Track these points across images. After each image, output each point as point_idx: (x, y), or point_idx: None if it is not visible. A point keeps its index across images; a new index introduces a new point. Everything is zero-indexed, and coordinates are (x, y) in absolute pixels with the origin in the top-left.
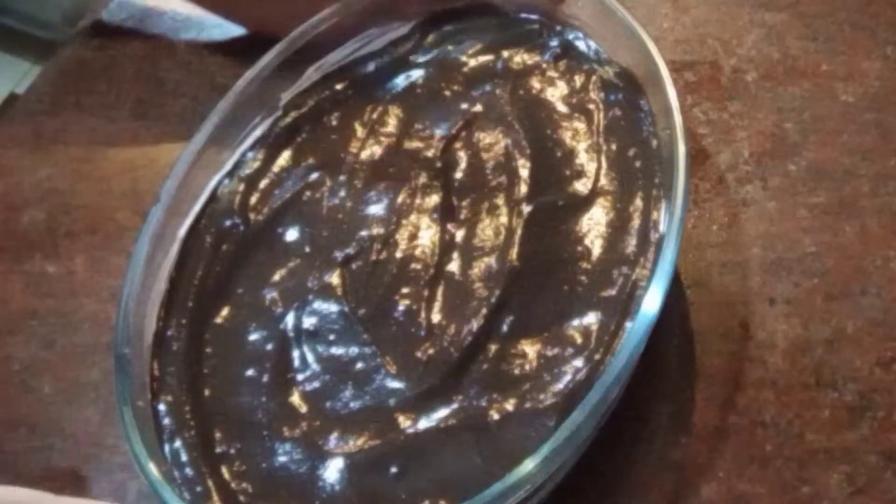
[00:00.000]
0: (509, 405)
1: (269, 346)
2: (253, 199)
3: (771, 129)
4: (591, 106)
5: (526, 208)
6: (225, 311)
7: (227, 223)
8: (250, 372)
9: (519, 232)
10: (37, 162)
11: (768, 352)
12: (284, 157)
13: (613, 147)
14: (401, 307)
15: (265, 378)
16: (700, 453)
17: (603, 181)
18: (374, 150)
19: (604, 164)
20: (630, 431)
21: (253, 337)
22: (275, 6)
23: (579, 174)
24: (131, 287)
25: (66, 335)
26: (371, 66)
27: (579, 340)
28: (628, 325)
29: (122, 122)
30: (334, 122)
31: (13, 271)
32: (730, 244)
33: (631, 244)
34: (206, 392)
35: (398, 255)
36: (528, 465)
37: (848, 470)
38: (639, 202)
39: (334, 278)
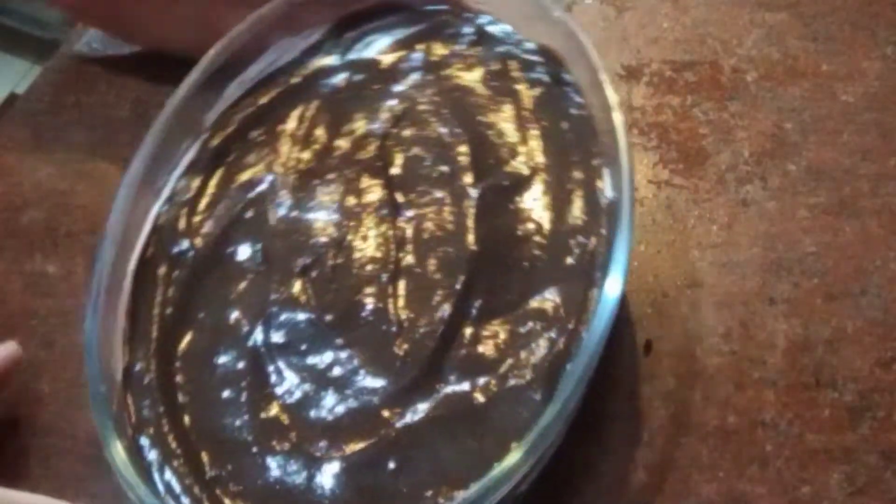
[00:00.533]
0: (493, 386)
1: (241, 365)
2: (196, 223)
3: (771, 129)
4: (516, 86)
5: (473, 193)
6: (189, 337)
7: (176, 250)
8: (226, 393)
9: (471, 217)
10: (37, 162)
11: (768, 352)
12: (219, 178)
13: (545, 123)
14: (368, 307)
15: (243, 397)
16: (700, 453)
17: (542, 157)
18: (309, 159)
19: (539, 141)
20: (630, 432)
21: (222, 359)
22: (171, 25)
23: (517, 153)
24: (93, 327)
25: (66, 335)
26: (290, 77)
27: (549, 313)
28: (595, 291)
29: (122, 122)
30: (263, 137)
31: (13, 271)
32: (730, 244)
33: (581, 213)
34: (187, 420)
35: (355, 256)
36: (522, 445)
37: (848, 470)
38: (580, 172)
39: (296, 288)
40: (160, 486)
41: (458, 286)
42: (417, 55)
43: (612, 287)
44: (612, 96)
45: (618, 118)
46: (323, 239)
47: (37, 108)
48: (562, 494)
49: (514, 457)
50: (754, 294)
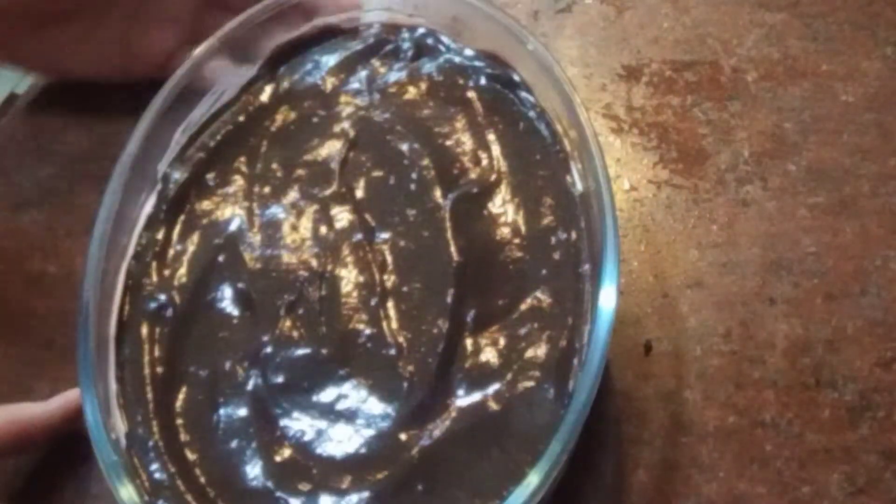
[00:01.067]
0: (505, 392)
1: (244, 412)
2: (168, 276)
3: (771, 129)
4: (466, 94)
5: (445, 205)
6: (184, 394)
7: (153, 307)
8: (235, 443)
9: (448, 229)
10: (37, 162)
11: (768, 352)
12: (182, 226)
13: (501, 126)
14: (364, 334)
15: (253, 444)
16: (700, 453)
17: (504, 160)
18: (270, 195)
19: (499, 144)
20: (630, 432)
21: (224, 409)
22: (90, 50)
23: (480, 159)
24: (91, 401)
25: (66, 335)
26: (234, 115)
27: (546, 311)
28: (587, 284)
29: (122, 121)
30: (218, 179)
31: (13, 271)
32: (730, 244)
33: (555, 209)
34: (202, 478)
35: (339, 286)
36: (557, 444)
37: (848, 470)
38: (545, 169)
39: (286, 327)
40: None
41: (449, 299)
42: (360, 76)
43: (610, 274)
44: (568, 86)
45: (578, 105)
46: (303, 273)
47: (37, 108)
48: (562, 495)
49: (549, 458)
50: (754, 294)
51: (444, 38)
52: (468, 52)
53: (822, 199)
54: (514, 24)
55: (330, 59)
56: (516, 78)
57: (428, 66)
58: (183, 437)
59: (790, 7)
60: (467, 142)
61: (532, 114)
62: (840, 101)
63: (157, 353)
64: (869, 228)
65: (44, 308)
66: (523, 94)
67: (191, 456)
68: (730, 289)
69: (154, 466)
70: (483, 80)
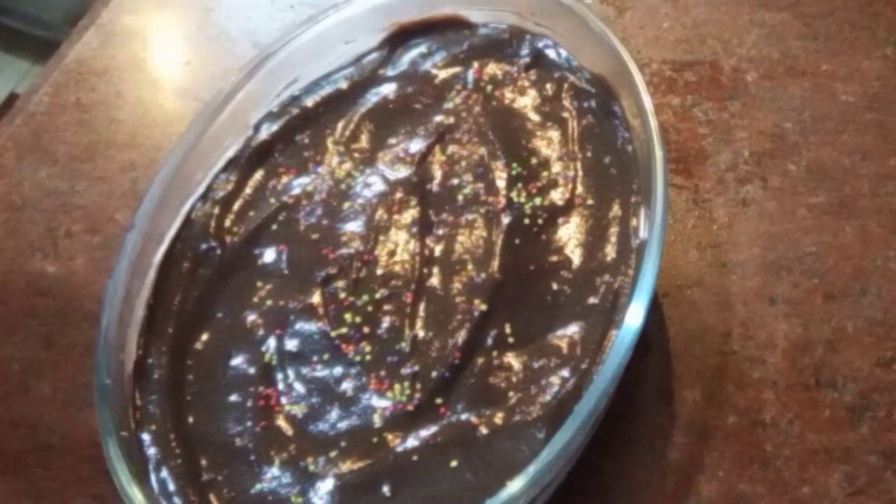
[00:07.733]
0: (498, 419)
1: (252, 370)
2: (228, 222)
3: (771, 129)
4: (565, 114)
5: (505, 219)
6: (205, 337)
7: (204, 247)
8: (234, 397)
9: (499, 243)
10: (37, 162)
11: (768, 352)
12: (258, 178)
13: (589, 154)
14: (384, 325)
15: (249, 403)
16: (700, 453)
17: (580, 189)
18: (348, 168)
19: (580, 172)
20: (630, 432)
21: (235, 361)
22: None
23: (556, 183)
24: (110, 316)
25: (66, 335)
26: (341, 82)
27: (565, 350)
28: (614, 333)
29: (122, 121)
30: (306, 140)
31: (13, 271)
32: (730, 244)
33: (611, 251)
34: (190, 419)
35: (378, 272)
36: (518, 482)
37: (848, 470)
38: (617, 209)
39: (315, 298)
40: (155, 485)
41: (476, 313)
42: (470, 73)
43: (626, 335)
44: (657, 137)
45: (659, 160)
46: (349, 250)
47: (37, 108)
48: (561, 494)
49: (500, 499)
50: (754, 294)
51: (564, 53)
52: (583, 73)
53: (822, 199)
54: (630, 59)
55: (447, 50)
56: (617, 109)
57: (539, 79)
58: (188, 377)
59: (790, 7)
60: (551, 162)
61: (622, 149)
62: (840, 101)
63: (193, 291)
64: (869, 228)
65: (44, 308)
66: (619, 128)
67: (188, 397)
68: (730, 289)
69: (151, 398)
70: (587, 105)
